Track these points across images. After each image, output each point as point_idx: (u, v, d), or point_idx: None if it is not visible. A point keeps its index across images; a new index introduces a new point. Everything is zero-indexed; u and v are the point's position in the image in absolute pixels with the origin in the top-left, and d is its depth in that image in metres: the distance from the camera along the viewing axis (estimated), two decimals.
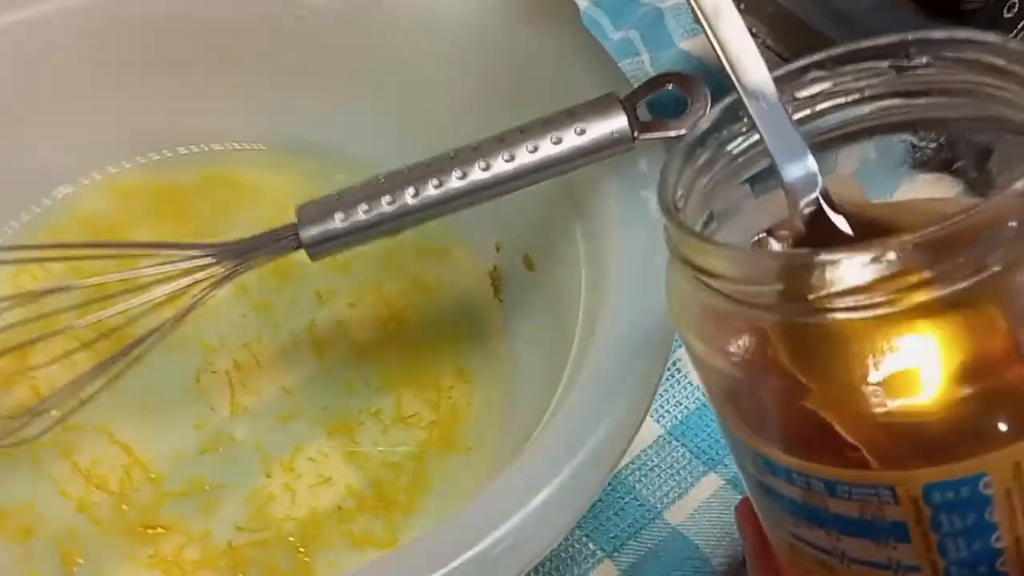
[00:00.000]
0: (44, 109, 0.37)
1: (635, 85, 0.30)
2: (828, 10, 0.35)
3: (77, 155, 0.39)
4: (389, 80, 0.38)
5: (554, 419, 0.27)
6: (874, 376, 0.19)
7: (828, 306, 0.18)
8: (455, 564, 0.23)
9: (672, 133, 0.28)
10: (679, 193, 0.21)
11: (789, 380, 0.19)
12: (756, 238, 0.22)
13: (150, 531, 0.31)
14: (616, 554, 0.34)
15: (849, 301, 0.18)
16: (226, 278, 0.30)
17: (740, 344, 0.20)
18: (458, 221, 0.32)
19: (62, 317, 0.33)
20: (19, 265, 0.36)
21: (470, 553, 0.23)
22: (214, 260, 0.30)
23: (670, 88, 0.29)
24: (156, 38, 0.38)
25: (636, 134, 0.28)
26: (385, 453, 0.34)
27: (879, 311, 0.18)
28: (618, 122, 0.28)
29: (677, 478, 0.35)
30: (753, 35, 0.22)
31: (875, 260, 0.17)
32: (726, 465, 0.36)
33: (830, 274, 0.18)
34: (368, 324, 0.37)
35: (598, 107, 0.28)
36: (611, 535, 0.34)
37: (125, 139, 0.40)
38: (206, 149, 0.41)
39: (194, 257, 0.30)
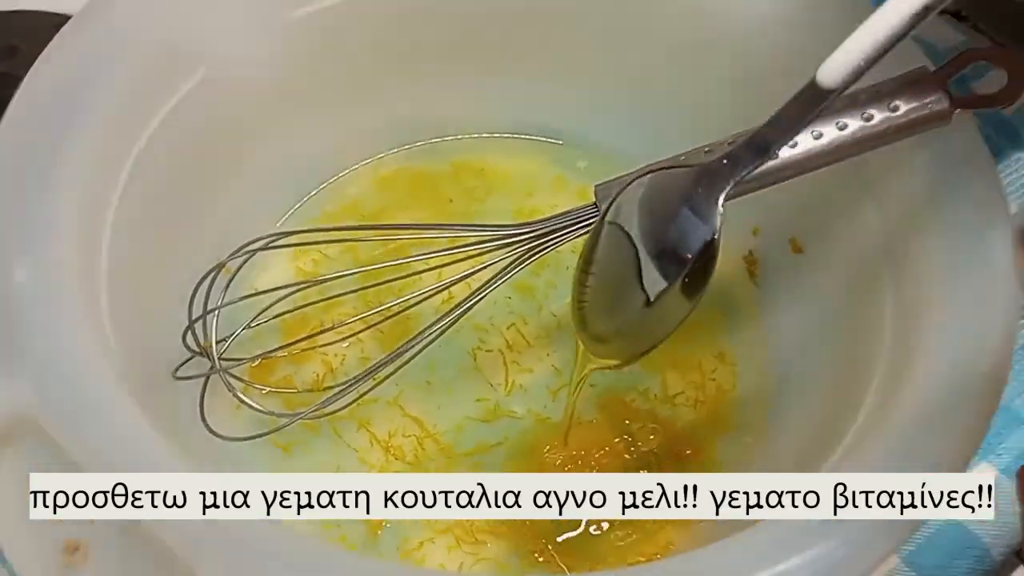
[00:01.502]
0: (316, 104, 0.38)
1: None
2: None
3: (342, 146, 0.41)
4: (637, 70, 0.38)
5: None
6: None
7: None
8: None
9: (995, 108, 0.27)
10: None
11: None
12: None
13: None
14: None
15: None
16: (529, 258, 0.30)
17: None
18: None
19: (346, 299, 0.35)
20: (301, 248, 0.38)
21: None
22: (514, 241, 0.30)
23: (983, 63, 0.28)
24: (412, 38, 0.39)
25: (954, 109, 0.28)
26: (656, 430, 0.34)
27: None
28: (933, 96, 0.28)
29: None
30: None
31: None
32: (999, 454, 0.35)
33: None
34: None
35: (909, 82, 0.28)
36: None
37: (384, 131, 0.41)
38: (455, 139, 0.42)
39: (494, 238, 0.31)
